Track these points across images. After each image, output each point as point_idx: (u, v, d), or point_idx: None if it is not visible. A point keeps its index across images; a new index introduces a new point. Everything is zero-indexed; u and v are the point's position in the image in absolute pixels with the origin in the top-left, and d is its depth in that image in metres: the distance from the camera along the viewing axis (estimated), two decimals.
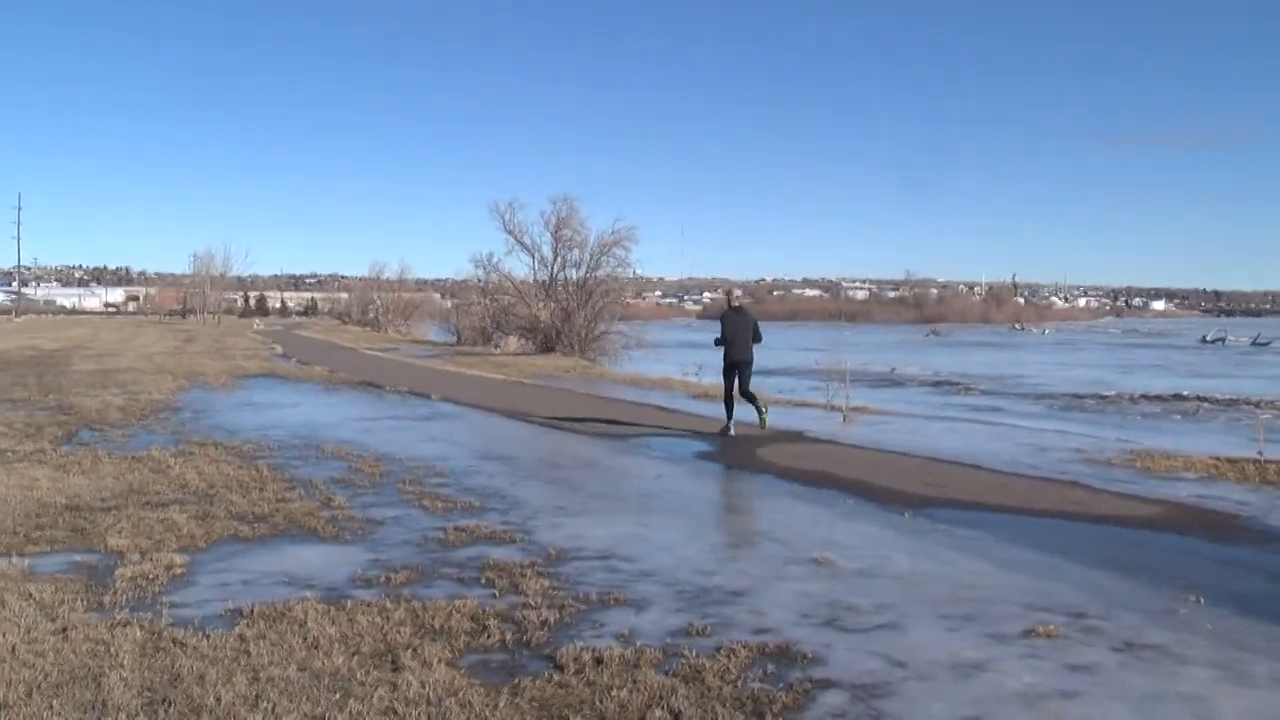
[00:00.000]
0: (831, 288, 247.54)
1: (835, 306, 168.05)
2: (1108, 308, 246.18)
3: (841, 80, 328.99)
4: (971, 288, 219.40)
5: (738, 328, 16.84)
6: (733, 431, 16.08)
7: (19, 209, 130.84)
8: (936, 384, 40.03)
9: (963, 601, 6.87)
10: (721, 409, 16.86)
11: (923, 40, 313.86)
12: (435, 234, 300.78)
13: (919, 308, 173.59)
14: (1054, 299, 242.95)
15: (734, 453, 14.09)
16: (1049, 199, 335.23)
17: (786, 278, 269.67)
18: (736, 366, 16.63)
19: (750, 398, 16.60)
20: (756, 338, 16.99)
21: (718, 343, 17.01)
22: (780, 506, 10.49)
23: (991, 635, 6.14)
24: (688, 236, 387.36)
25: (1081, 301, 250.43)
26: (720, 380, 17.46)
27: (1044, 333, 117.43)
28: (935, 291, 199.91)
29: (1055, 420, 25.08)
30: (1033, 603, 6.83)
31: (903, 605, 6.77)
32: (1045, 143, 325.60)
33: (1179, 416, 28.23)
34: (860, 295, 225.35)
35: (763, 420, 16.60)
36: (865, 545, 8.62)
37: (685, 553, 8.30)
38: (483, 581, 7.32)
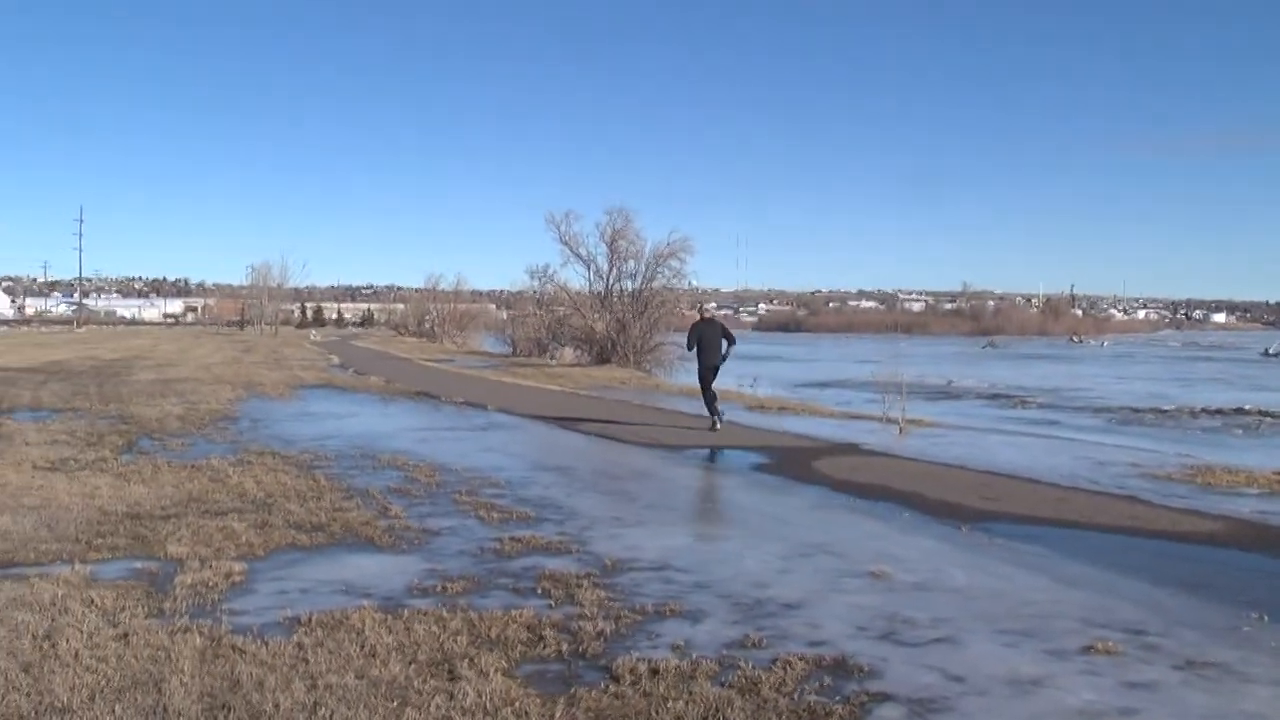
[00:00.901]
0: (887, 299, 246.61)
1: (891, 318, 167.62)
2: (1167, 320, 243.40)
3: (897, 90, 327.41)
4: (1029, 299, 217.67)
5: (711, 337, 18.85)
6: (719, 427, 18.15)
7: (80, 221, 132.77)
8: (993, 397, 39.74)
9: (1020, 616, 6.80)
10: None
11: (982, 50, 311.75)
12: (491, 245, 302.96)
13: (976, 319, 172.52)
14: (1113, 311, 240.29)
15: (790, 464, 14.02)
16: (1108, 209, 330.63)
17: (842, 289, 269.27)
18: (711, 369, 18.83)
19: (714, 396, 18.90)
20: (730, 341, 19.00)
21: (691, 349, 19.25)
22: (836, 519, 10.43)
23: (1050, 651, 6.06)
24: (742, 248, 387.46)
25: (1141, 314, 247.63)
26: (706, 382, 19.09)
27: (1102, 345, 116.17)
28: (992, 303, 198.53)
29: (1113, 434, 24.83)
30: (1091, 619, 6.75)
31: (960, 619, 6.71)
32: (1105, 152, 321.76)
33: (1240, 431, 27.80)
34: (916, 307, 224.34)
35: (715, 421, 18.42)
36: (922, 558, 8.56)
37: (741, 564, 8.28)
38: (539, 592, 7.32)
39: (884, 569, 8.07)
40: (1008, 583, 7.76)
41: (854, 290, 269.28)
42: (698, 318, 19.26)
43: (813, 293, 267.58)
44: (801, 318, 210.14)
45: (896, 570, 8.06)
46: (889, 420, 19.43)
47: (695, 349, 19.01)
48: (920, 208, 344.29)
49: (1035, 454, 15.81)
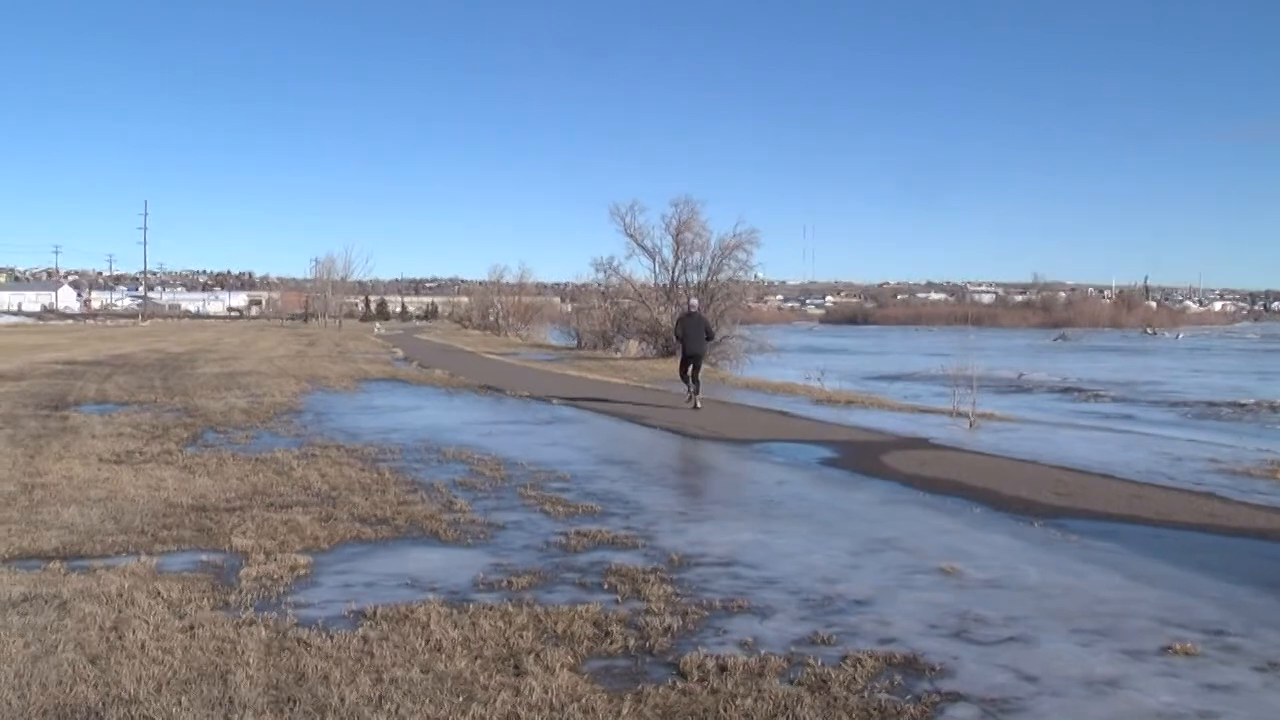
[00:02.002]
0: (956, 291, 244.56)
1: (960, 310, 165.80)
2: (1245, 311, 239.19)
3: (967, 78, 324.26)
4: (1101, 291, 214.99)
5: (693, 328, 21.86)
6: (699, 406, 20.84)
7: (145, 215, 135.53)
8: (1065, 390, 39.26)
9: (1096, 615, 6.69)
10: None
11: (1053, 35, 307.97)
12: (555, 237, 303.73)
13: (1047, 311, 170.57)
14: (1188, 302, 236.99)
15: (858, 459, 13.93)
16: (1184, 198, 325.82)
17: (910, 280, 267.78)
18: (692, 358, 21.76)
19: (697, 382, 21.60)
20: (709, 335, 22.55)
21: (677, 338, 22.45)
22: (905, 514, 10.35)
23: (1126, 651, 5.96)
24: (810, 238, 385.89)
25: (1217, 305, 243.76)
26: (684, 367, 22.16)
27: (1177, 337, 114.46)
28: (1064, 295, 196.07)
29: (1189, 429, 24.40)
30: (1169, 618, 6.63)
31: (1033, 618, 6.61)
32: (1180, 140, 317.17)
33: None
34: (986, 299, 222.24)
35: (696, 401, 21.08)
36: (993, 555, 8.46)
37: (809, 560, 8.22)
38: (605, 587, 7.31)
39: (955, 565, 7.98)
40: (1082, 580, 7.65)
41: (922, 282, 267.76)
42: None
43: (880, 284, 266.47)
44: (869, 310, 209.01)
45: (968, 567, 7.97)
46: (959, 414, 19.29)
47: (680, 339, 22.31)
48: (990, 198, 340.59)
49: (1109, 449, 15.60)
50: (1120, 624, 6.50)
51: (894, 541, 8.93)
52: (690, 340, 21.69)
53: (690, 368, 21.74)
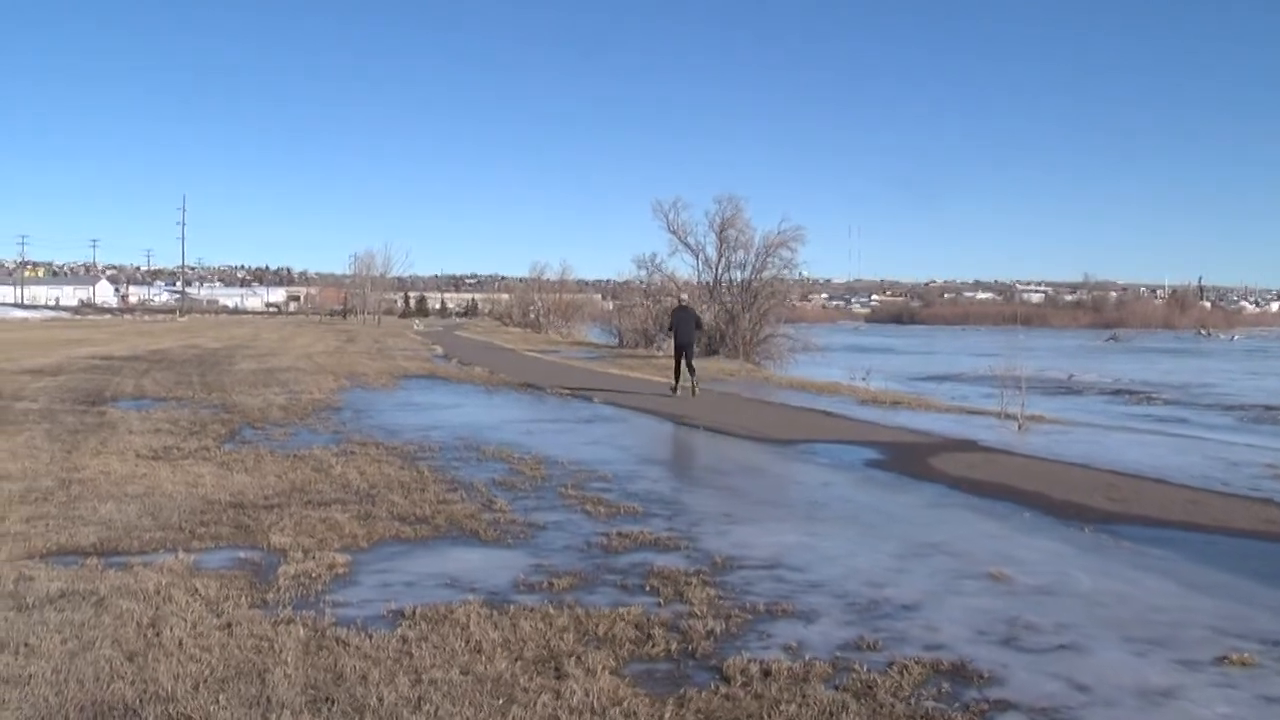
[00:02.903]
0: (1005, 290, 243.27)
1: (1009, 310, 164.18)
2: None
3: (1012, 74, 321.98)
4: (1154, 291, 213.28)
5: (683, 321, 24.42)
6: (678, 393, 23.44)
7: (183, 210, 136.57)
8: (1117, 392, 38.87)
9: (1149, 624, 6.63)
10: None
11: (1102, 35, 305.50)
12: (597, 234, 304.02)
13: (1098, 311, 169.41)
14: (1244, 303, 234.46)
15: (904, 461, 13.86)
16: (1239, 196, 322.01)
17: (958, 279, 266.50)
18: (683, 348, 24.04)
19: (691, 370, 23.86)
20: (699, 326, 25.39)
21: (669, 330, 25.84)
22: (953, 518, 10.28)
23: (1181, 661, 5.90)
24: (856, 237, 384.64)
25: (1274, 306, 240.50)
26: (675, 358, 24.49)
27: (1233, 339, 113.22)
28: (1115, 295, 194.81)
29: (1246, 433, 24.09)
30: (1225, 628, 6.55)
31: (1085, 626, 6.55)
32: (1235, 138, 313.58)
33: None
34: (1035, 298, 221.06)
35: (694, 389, 23.56)
36: (1044, 561, 8.39)
37: (854, 563, 8.19)
38: (647, 589, 7.30)
39: (1004, 571, 7.93)
40: (1135, 588, 7.58)
41: (970, 281, 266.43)
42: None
43: (927, 283, 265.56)
44: (915, 309, 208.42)
45: (1017, 572, 7.91)
46: (1008, 416, 19.15)
47: (671, 330, 25.16)
48: (1040, 195, 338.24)
49: (1163, 453, 15.45)
50: (1175, 633, 6.43)
51: (941, 545, 8.88)
52: (680, 331, 24.27)
53: (682, 356, 24.02)
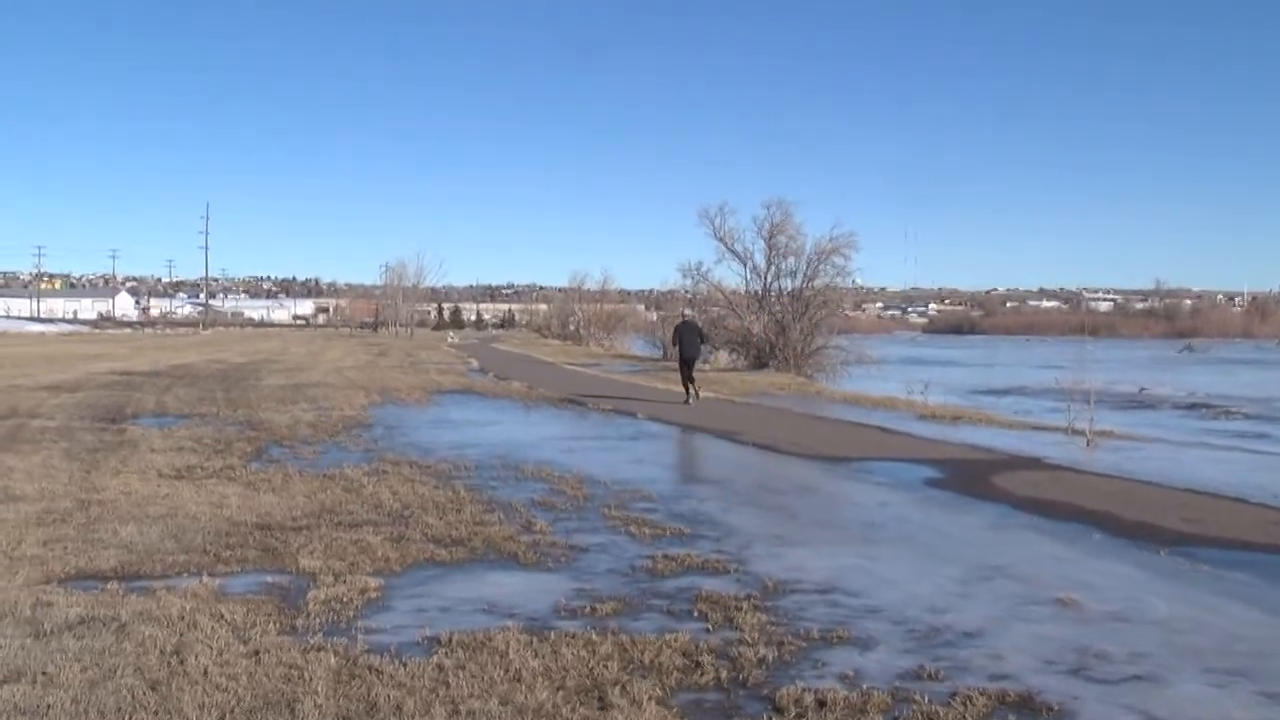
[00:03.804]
0: (1071, 298, 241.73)
1: (1076, 319, 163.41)
2: None
3: (1079, 73, 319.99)
4: (1232, 298, 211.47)
5: (688, 336, 26.92)
6: (691, 404, 25.53)
7: (206, 218, 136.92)
8: (1192, 406, 38.50)
9: (1230, 654, 6.56)
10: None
11: (1175, 34, 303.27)
12: (640, 242, 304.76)
13: (1171, 320, 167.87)
14: None
15: (965, 479, 13.79)
16: None
17: (1021, 287, 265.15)
18: (687, 361, 26.65)
19: (692, 379, 26.51)
20: (703, 339, 28.64)
21: (673, 344, 28.71)
22: (1018, 539, 10.22)
23: (1266, 694, 5.83)
24: (912, 243, 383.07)
25: None
26: (682, 371, 27.00)
27: None
28: (1189, 302, 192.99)
29: None
30: None
31: (1161, 655, 6.50)
32: None
33: None
34: (1104, 306, 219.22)
35: (696, 394, 26.23)
36: (1115, 585, 8.32)
37: (914, 588, 8.15)
38: (695, 614, 7.30)
39: (1073, 596, 7.87)
40: (1215, 615, 7.51)
41: (1034, 289, 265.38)
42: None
43: (988, 291, 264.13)
44: (976, 319, 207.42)
45: (1087, 598, 7.85)
46: (1075, 431, 19.01)
47: (676, 344, 27.72)
48: (1109, 196, 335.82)
49: (1242, 471, 15.30)
50: (1258, 664, 6.37)
51: (1006, 569, 8.83)
52: (685, 344, 26.84)
53: (686, 368, 26.65)
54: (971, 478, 14.00)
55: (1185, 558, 9.33)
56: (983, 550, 9.59)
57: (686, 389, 26.52)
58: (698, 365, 27.79)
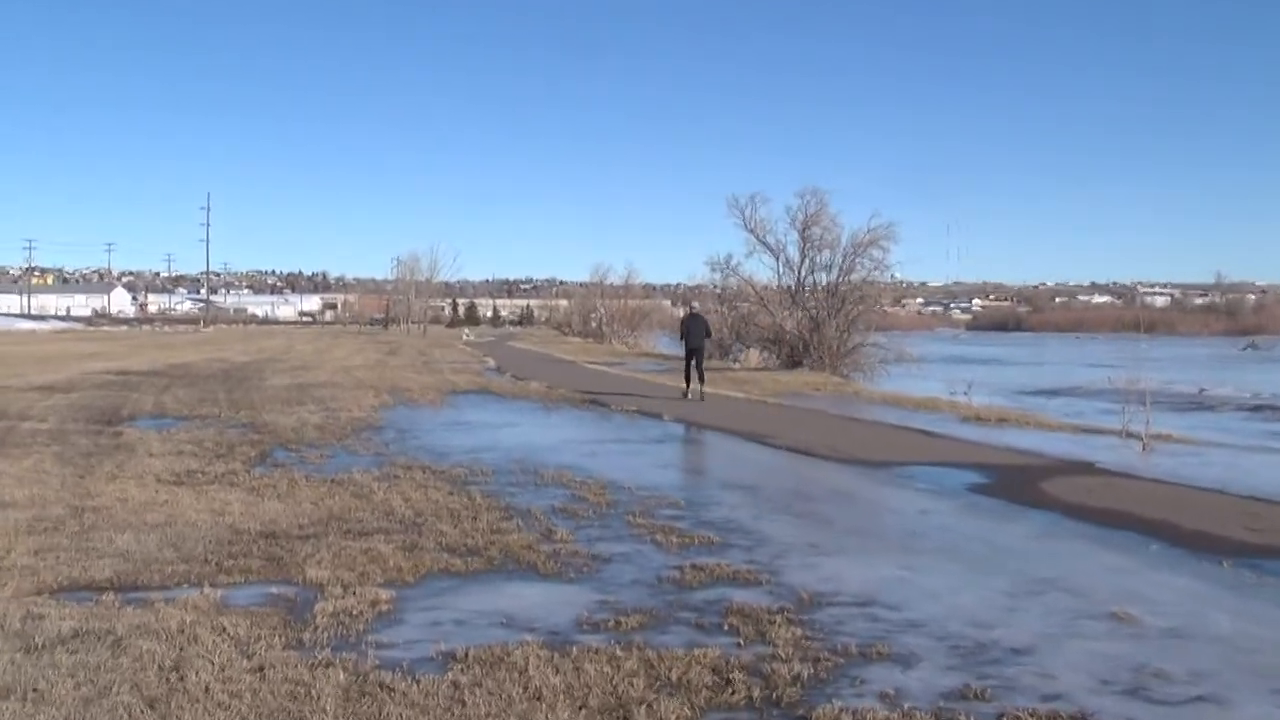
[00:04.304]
0: (1125, 293, 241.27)
1: (1130, 315, 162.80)
2: None
3: (1133, 58, 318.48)
4: None
5: (694, 328, 28.11)
6: (690, 397, 27.05)
7: (208, 210, 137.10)
8: (1256, 408, 38.25)
9: None
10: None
11: (1226, 16, 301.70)
12: (665, 234, 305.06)
13: (1232, 316, 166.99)
14: None
15: (1012, 485, 13.73)
16: None
17: (1071, 282, 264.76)
18: (694, 353, 27.79)
19: (701, 377, 27.55)
20: (708, 333, 29.70)
21: (680, 337, 29.49)
22: (1069, 550, 10.16)
23: None
24: (955, 236, 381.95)
25: None
26: (684, 362, 28.74)
27: None
28: (1253, 297, 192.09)
29: None
30: None
31: (1225, 674, 6.43)
32: None
33: None
34: (1160, 302, 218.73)
35: (701, 392, 27.19)
36: (1174, 599, 8.26)
37: (958, 601, 8.10)
38: (725, 628, 7.27)
39: (1129, 610, 7.81)
40: None
41: (1085, 283, 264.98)
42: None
43: (1035, 286, 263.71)
44: (1022, 315, 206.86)
45: (1144, 612, 7.79)
46: (1129, 435, 18.92)
47: (683, 336, 28.74)
48: (1166, 185, 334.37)
49: None
50: None
51: (1057, 581, 8.77)
52: (691, 337, 28.03)
53: (693, 361, 27.80)
54: (1019, 484, 13.93)
55: (1250, 570, 9.25)
56: (1031, 561, 9.53)
57: (688, 382, 27.76)
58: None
